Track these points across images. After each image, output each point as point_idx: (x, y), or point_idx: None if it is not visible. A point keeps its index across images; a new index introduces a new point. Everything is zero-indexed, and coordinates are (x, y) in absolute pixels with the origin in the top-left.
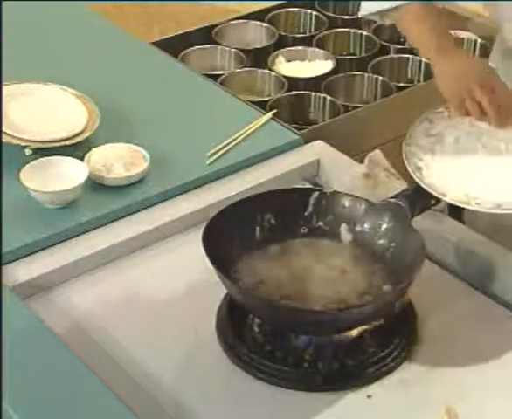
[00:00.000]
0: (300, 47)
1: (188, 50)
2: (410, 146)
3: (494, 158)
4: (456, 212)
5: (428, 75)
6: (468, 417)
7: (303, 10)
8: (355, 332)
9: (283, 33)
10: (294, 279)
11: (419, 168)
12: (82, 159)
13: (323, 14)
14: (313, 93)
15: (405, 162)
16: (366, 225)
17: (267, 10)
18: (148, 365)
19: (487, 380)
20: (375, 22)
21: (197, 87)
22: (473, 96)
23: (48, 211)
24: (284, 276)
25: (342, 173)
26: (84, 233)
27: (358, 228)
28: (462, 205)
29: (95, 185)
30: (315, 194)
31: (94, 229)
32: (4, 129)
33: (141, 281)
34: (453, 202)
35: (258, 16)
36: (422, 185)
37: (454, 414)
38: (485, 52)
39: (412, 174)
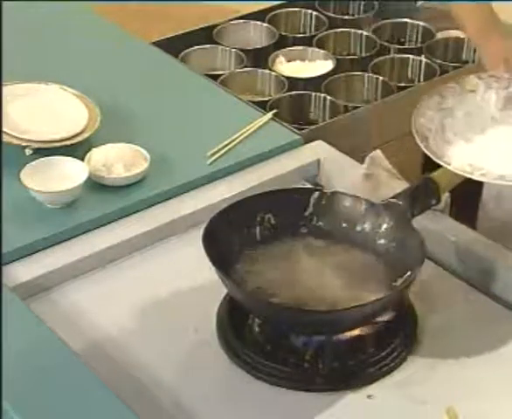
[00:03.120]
0: (300, 47)
1: (188, 50)
2: (419, 117)
3: (503, 132)
4: (466, 216)
5: (428, 75)
6: (468, 417)
7: (303, 10)
8: (355, 332)
9: (283, 33)
10: (294, 279)
11: (426, 138)
12: (82, 159)
13: (323, 14)
14: (313, 93)
15: (413, 131)
16: (366, 225)
17: (267, 10)
18: (148, 365)
19: (487, 380)
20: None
21: (197, 87)
22: None
23: (48, 211)
24: (284, 276)
25: (343, 173)
26: (84, 233)
27: (358, 228)
28: (465, 175)
29: (95, 185)
30: (316, 194)
31: (94, 229)
32: (5, 129)
33: (141, 281)
34: (457, 171)
35: (258, 16)
36: (427, 153)
37: (454, 414)
38: None
39: (419, 143)
